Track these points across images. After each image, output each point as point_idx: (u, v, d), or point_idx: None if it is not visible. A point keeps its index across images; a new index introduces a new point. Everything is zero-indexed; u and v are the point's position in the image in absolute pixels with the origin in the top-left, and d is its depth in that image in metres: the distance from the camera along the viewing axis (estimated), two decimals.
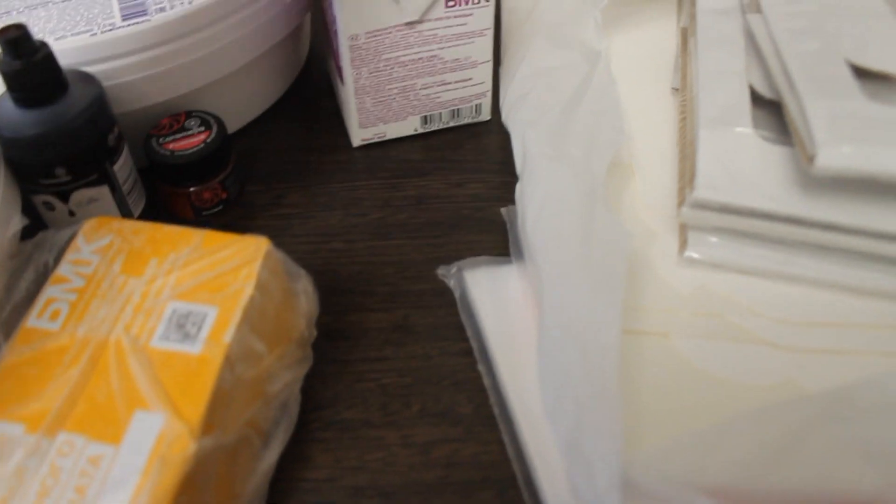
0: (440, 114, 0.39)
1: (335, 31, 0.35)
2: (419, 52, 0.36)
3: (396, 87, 0.37)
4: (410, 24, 0.35)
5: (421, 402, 0.29)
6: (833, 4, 0.34)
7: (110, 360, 0.24)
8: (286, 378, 0.27)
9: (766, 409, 0.24)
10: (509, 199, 0.36)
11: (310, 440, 0.28)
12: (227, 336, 0.24)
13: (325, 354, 0.31)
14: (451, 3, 0.34)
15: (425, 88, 0.38)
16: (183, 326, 0.25)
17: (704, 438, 0.24)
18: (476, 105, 0.40)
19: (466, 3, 0.34)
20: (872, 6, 0.33)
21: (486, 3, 0.35)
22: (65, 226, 0.31)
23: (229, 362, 0.24)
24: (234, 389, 0.24)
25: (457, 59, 0.37)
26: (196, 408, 0.23)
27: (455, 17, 0.35)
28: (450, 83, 0.38)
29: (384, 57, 0.36)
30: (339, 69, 0.37)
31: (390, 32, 0.35)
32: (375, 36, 0.35)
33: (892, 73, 0.30)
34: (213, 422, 0.23)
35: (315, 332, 0.30)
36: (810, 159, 0.27)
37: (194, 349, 0.24)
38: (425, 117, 0.39)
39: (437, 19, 0.35)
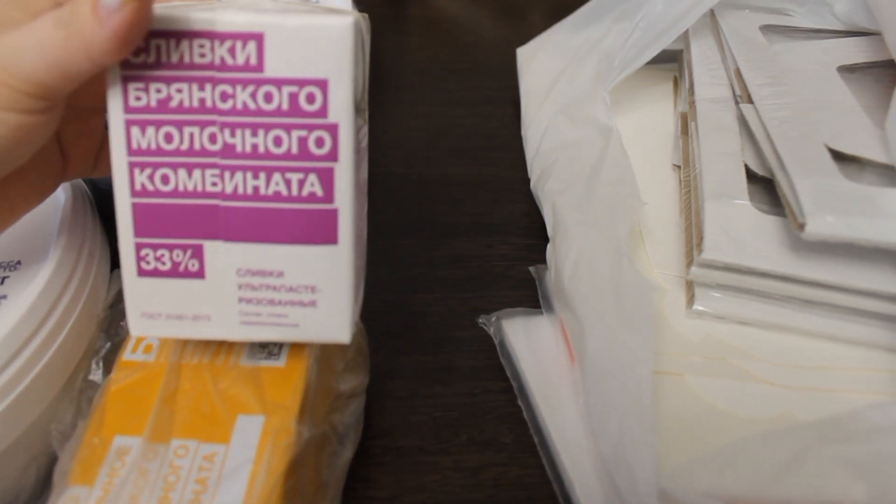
0: None
1: None
2: None
3: None
4: None
5: (468, 432, 0.35)
6: (812, 99, 0.41)
7: (207, 377, 0.29)
8: (353, 382, 0.32)
9: (770, 433, 0.30)
10: (534, 259, 0.42)
11: (372, 464, 0.34)
12: (308, 349, 0.30)
13: (381, 391, 0.36)
14: None
15: None
16: (266, 346, 0.30)
17: (720, 457, 0.30)
18: None
19: None
20: (844, 102, 0.41)
21: None
22: None
23: (311, 370, 0.30)
24: (315, 390, 0.30)
25: None
26: (292, 406, 0.28)
27: None
28: None
29: None
30: None
31: None
32: None
33: (862, 156, 0.38)
34: (304, 418, 0.29)
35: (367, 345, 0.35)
36: (801, 227, 0.33)
37: (280, 363, 0.30)
38: None
39: None
